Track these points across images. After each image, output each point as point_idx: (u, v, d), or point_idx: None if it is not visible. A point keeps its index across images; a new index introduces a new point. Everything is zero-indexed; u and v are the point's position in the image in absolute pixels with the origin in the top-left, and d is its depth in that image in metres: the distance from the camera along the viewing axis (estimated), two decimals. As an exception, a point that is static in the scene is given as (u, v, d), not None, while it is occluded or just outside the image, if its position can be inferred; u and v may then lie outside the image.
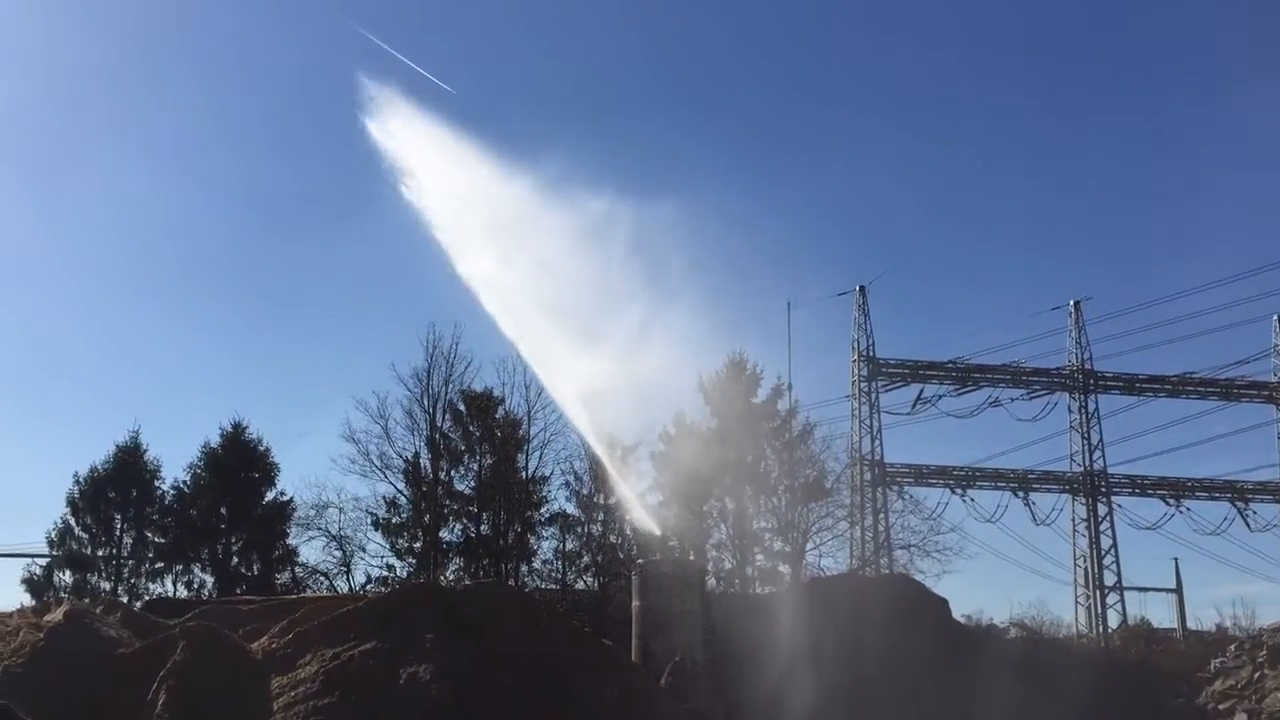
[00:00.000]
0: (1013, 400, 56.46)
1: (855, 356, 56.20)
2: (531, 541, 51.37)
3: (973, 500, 54.81)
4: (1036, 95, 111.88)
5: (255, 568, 50.49)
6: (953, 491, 54.85)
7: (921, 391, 56.38)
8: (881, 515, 54.03)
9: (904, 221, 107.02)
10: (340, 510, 49.66)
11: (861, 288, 56.70)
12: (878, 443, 55.35)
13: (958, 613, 41.53)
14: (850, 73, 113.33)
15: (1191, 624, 52.50)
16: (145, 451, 50.99)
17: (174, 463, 52.78)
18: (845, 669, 31.89)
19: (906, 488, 55.49)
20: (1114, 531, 55.66)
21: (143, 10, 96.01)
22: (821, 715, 30.73)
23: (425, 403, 50.16)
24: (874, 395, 56.04)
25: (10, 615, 27.26)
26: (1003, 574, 76.61)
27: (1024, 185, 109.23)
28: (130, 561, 49.98)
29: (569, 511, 51.37)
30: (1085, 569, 55.47)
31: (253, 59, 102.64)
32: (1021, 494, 55.73)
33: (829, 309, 58.81)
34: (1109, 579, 55.11)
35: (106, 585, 48.71)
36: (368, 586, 48.00)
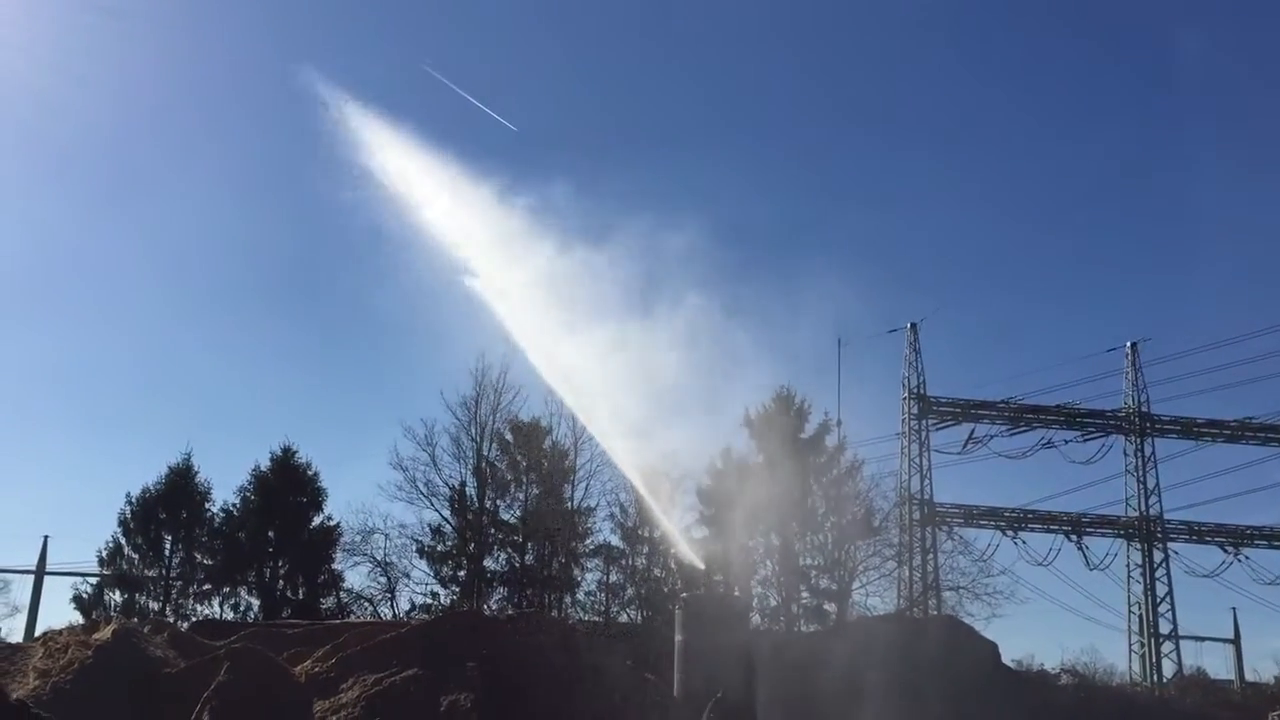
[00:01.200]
0: (1066, 442, 55.63)
1: (905, 394, 55.69)
2: (576, 573, 51.32)
3: (1024, 543, 54.01)
4: (1094, 133, 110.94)
5: (301, 592, 50.78)
6: (1004, 533, 54.05)
7: (973, 431, 55.72)
8: (930, 555, 53.32)
9: (958, 258, 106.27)
10: (386, 537, 50.00)
11: (913, 325, 56.31)
12: (927, 482, 54.74)
13: (1007, 657, 40.84)
14: (903, 108, 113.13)
15: (1249, 675, 51.30)
16: (196, 474, 51.68)
17: (224, 486, 53.47)
18: (892, 711, 31.33)
19: (956, 528, 54.77)
20: (1170, 579, 54.55)
21: (205, 36, 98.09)
22: (866, 757, 30.21)
23: (473, 431, 50.47)
24: (924, 434, 55.46)
25: (60, 632, 27.49)
26: (1054, 619, 75.47)
27: (1083, 223, 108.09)
28: (178, 582, 50.48)
29: (614, 543, 51.34)
30: (1140, 616, 54.30)
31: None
32: (1075, 538, 54.72)
33: (879, 345, 58.51)
34: (1164, 627, 53.92)
35: (155, 605, 49.22)
36: (411, 613, 48.11)
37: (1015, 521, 54.53)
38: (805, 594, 51.09)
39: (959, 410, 56.16)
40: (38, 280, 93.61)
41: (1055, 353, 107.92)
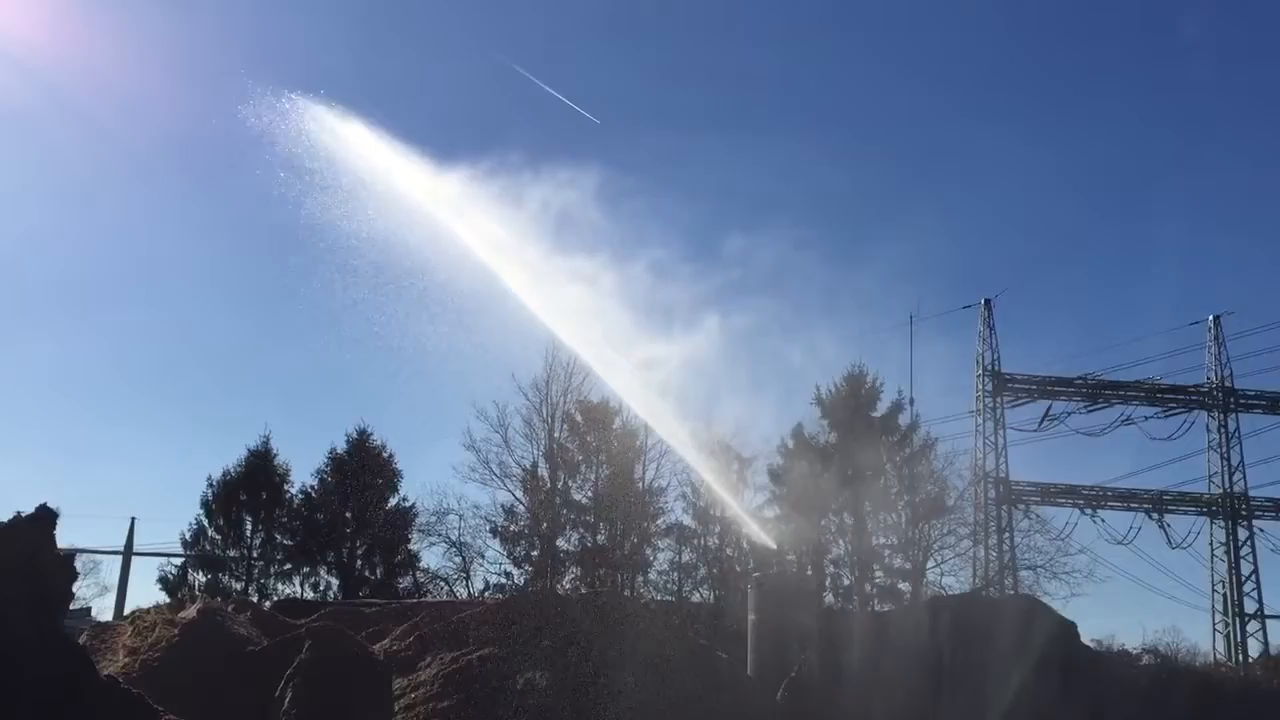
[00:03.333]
0: (1146, 419, 54.27)
1: (980, 371, 54.76)
2: (648, 552, 51.44)
3: (1103, 521, 52.91)
4: (1175, 102, 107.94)
5: (378, 571, 51.65)
6: (1082, 512, 53.02)
7: (1049, 408, 54.65)
8: (1006, 534, 52.46)
9: (1032, 233, 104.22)
10: (460, 517, 50.60)
11: (986, 301, 55.31)
12: (1003, 460, 53.78)
13: (1087, 637, 40.03)
14: (977, 82, 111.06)
15: (1339, 655, 49.61)
16: (275, 456, 52.76)
17: (302, 468, 54.47)
18: (968, 691, 30.96)
19: (1033, 507, 53.82)
20: (1255, 557, 53.20)
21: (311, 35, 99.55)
22: (943, 738, 29.92)
23: (544, 412, 50.72)
24: (999, 411, 54.52)
25: (148, 611, 28.27)
26: (1135, 598, 73.94)
27: (1161, 195, 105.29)
28: (259, 562, 51.60)
29: (685, 523, 51.37)
30: (1224, 595, 52.99)
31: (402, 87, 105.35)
32: (1156, 516, 53.50)
33: (952, 323, 57.63)
34: (1249, 606, 52.63)
35: (237, 585, 50.39)
36: (486, 593, 48.63)
37: (1094, 499, 53.48)
38: (879, 573, 50.76)
39: (1035, 387, 55.14)
40: (124, 272, 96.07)
41: (1135, 328, 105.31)
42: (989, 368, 54.72)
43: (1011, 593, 48.54)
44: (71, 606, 18.36)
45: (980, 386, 54.71)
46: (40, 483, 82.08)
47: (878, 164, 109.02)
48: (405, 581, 51.46)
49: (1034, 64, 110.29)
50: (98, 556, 54.42)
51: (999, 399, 54.69)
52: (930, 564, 50.60)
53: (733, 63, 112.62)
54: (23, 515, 13.21)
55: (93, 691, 12.48)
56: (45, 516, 13.01)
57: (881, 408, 51.72)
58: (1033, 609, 39.04)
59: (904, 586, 49.90)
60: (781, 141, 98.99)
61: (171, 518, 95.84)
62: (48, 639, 12.32)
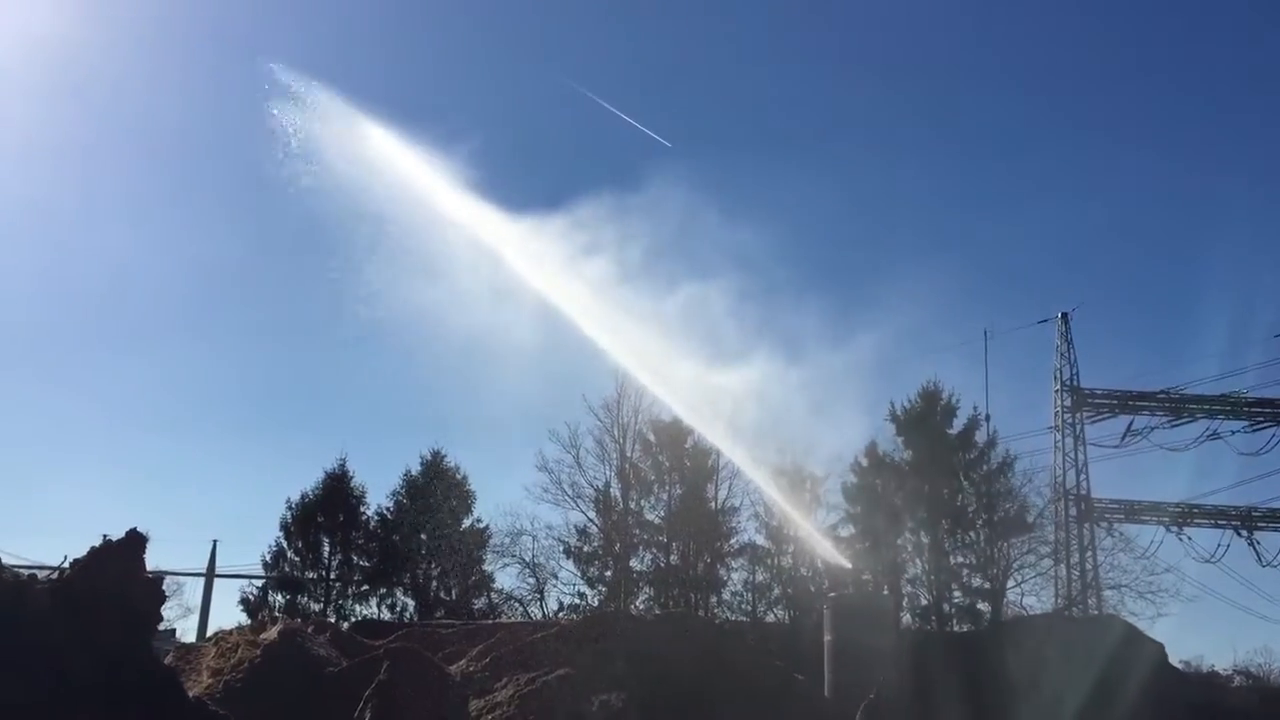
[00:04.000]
0: (1233, 433, 52.68)
1: (1058, 386, 53.67)
2: (721, 572, 51.20)
3: (1189, 539, 51.36)
4: (1257, 105, 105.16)
5: (453, 593, 51.99)
6: (1167, 529, 51.53)
7: (1131, 423, 53.30)
8: (1089, 553, 51.26)
9: (1111, 244, 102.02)
10: (534, 538, 50.80)
11: (1064, 314, 54.18)
12: (1083, 476, 52.55)
13: (1175, 658, 39.07)
14: (1059, 93, 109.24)
15: None
16: (352, 478, 53.39)
17: (378, 490, 55.05)
18: (1052, 714, 30.33)
19: (1116, 524, 52.51)
20: (1352, 575, 51.24)
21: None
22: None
23: (615, 433, 50.83)
24: (1078, 427, 53.33)
25: (230, 633, 28.75)
26: (1225, 618, 71.58)
27: (1245, 202, 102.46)
28: (337, 583, 52.23)
29: (759, 543, 51.05)
30: (1319, 615, 51.25)
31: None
32: (1245, 533, 51.81)
33: (1029, 337, 56.69)
34: (1346, 626, 50.78)
35: (315, 606, 51.03)
36: (560, 613, 48.73)
37: (1180, 516, 51.99)
38: (957, 593, 49.95)
39: (1116, 402, 53.88)
40: (204, 297, 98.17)
41: (1219, 341, 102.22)
42: (1067, 383, 53.61)
43: (1096, 613, 47.45)
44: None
45: (1059, 402, 53.61)
46: (127, 507, 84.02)
47: (948, 179, 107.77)
48: (480, 602, 51.73)
49: (1118, 72, 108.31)
50: (181, 578, 55.56)
51: (1078, 414, 53.54)
52: (1010, 583, 49.73)
53: (803, 81, 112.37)
54: (113, 540, 13.51)
55: (182, 712, 12.72)
56: (135, 541, 13.30)
57: (958, 424, 51.04)
58: (1118, 629, 38.20)
59: (983, 606, 49.03)
60: (853, 159, 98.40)
61: (253, 540, 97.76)
62: (139, 660, 12.59)
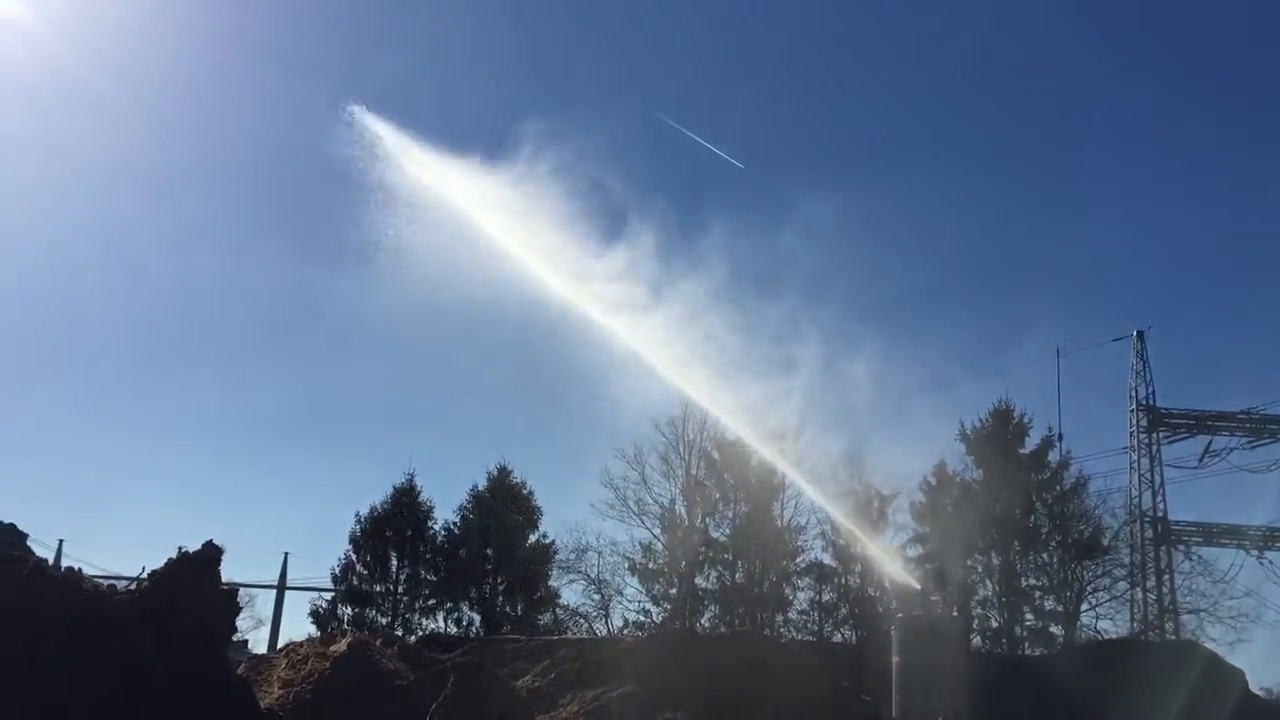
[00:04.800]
0: (1318, 454, 51.21)
1: (1134, 406, 52.60)
2: (787, 591, 50.84)
3: (1271, 563, 50.04)
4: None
5: (519, 608, 52.17)
6: (1248, 553, 50.26)
7: (1210, 444, 52.07)
8: (1166, 576, 50.09)
9: (1190, 260, 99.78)
10: (599, 554, 50.88)
11: (1140, 333, 53.20)
12: (1160, 498, 51.42)
13: (1256, 685, 37.95)
14: (1138, 103, 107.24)
15: None
16: (419, 493, 53.82)
17: (445, 504, 55.47)
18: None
19: (1194, 547, 51.30)
20: None
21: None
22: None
23: (680, 449, 50.79)
24: (1155, 447, 52.20)
25: (300, 645, 29.12)
26: (1308, 645, 69.19)
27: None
28: (404, 597, 52.67)
29: (825, 562, 50.63)
30: None
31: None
32: (1328, 557, 50.35)
33: (1103, 356, 55.67)
34: None
35: (383, 619, 51.47)
36: (625, 630, 48.70)
37: (1261, 540, 50.62)
38: (1029, 616, 49.09)
39: (1193, 422, 52.66)
40: (278, 316, 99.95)
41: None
42: (1144, 402, 52.55)
43: (1174, 638, 46.32)
44: (231, 639, 18.98)
45: (1135, 422, 52.56)
46: (202, 520, 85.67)
47: (1019, 193, 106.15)
48: (545, 618, 51.86)
49: (1201, 80, 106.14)
50: (253, 591, 56.38)
51: (1155, 434, 52.43)
52: (1084, 606, 48.75)
53: (866, 95, 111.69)
54: (190, 551, 13.77)
55: (254, 722, 12.96)
56: (211, 553, 13.55)
57: (1030, 444, 50.27)
58: (1197, 655, 37.20)
59: (1056, 630, 48.13)
60: (920, 173, 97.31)
61: (322, 553, 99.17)
62: (215, 670, 12.83)
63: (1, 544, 12.75)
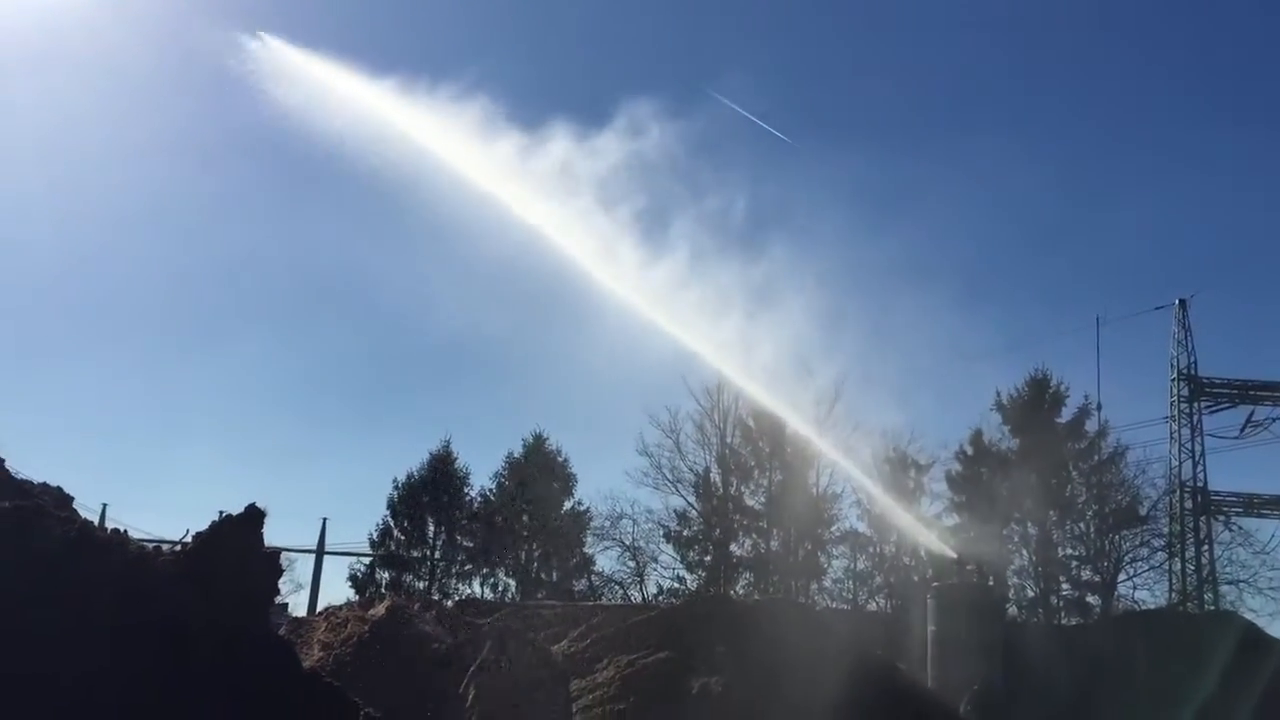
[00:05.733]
0: (1363, 424, 50.40)
1: (1174, 375, 51.90)
2: (822, 559, 50.85)
3: (1313, 534, 49.44)
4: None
5: (554, 574, 52.58)
6: (1289, 523, 49.69)
7: (1252, 413, 51.33)
8: (1205, 546, 49.60)
9: (1234, 229, 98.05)
10: (634, 522, 51.07)
11: (1181, 301, 52.37)
12: (1200, 468, 50.78)
13: (1296, 657, 37.56)
14: (1179, 76, 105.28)
15: None
16: (456, 460, 54.26)
17: (481, 471, 55.85)
18: (1165, 709, 29.50)
19: (1234, 518, 50.75)
20: None
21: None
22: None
23: (716, 418, 50.79)
24: (1195, 417, 51.52)
25: (340, 608, 29.56)
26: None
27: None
28: (441, 563, 53.23)
29: (860, 530, 50.59)
30: None
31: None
32: (1372, 528, 49.68)
33: (1144, 325, 54.96)
34: None
35: (420, 584, 52.07)
36: (659, 597, 48.95)
37: (1303, 511, 50.06)
38: (1066, 585, 48.87)
39: (1236, 392, 51.91)
40: (315, 287, 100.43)
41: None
42: (1184, 371, 51.85)
43: (1212, 609, 45.96)
44: (272, 602, 19.22)
45: (1175, 391, 51.90)
46: (243, 484, 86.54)
47: (1062, 165, 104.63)
48: (580, 584, 52.23)
49: (1240, 52, 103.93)
50: (292, 555, 57.00)
51: (1196, 404, 51.75)
52: (1122, 577, 48.50)
53: (914, 72, 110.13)
54: (232, 515, 13.93)
55: (297, 683, 13.12)
56: (254, 516, 13.68)
57: (1067, 413, 49.90)
58: (1235, 626, 36.97)
59: (1093, 600, 47.94)
60: (964, 148, 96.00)
61: (361, 518, 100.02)
62: (257, 632, 13.03)
63: (48, 507, 12.97)
